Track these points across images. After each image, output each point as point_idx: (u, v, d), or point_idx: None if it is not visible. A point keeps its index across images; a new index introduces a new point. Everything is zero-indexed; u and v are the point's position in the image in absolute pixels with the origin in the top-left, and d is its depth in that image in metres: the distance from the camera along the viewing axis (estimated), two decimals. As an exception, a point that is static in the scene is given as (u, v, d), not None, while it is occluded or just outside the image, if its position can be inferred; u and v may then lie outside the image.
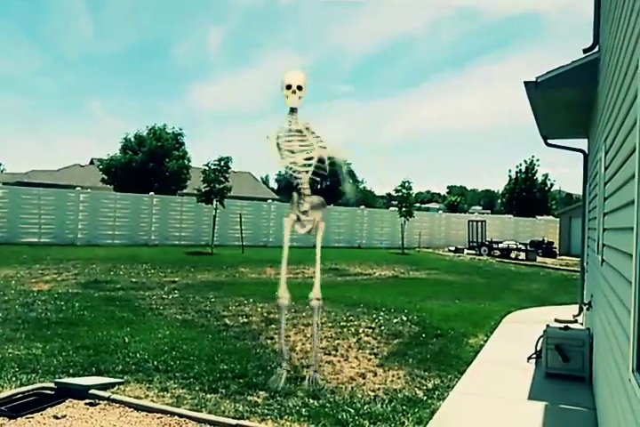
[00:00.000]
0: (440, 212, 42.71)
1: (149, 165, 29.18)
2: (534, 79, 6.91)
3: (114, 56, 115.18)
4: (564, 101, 7.76)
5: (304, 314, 9.12)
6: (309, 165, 5.96)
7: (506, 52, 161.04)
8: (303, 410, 4.92)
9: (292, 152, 5.94)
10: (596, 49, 7.32)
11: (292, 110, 5.98)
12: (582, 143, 10.20)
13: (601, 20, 7.16)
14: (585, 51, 7.58)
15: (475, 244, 30.12)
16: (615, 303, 3.43)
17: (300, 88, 5.88)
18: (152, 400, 5.07)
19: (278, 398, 5.22)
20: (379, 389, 5.67)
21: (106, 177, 29.83)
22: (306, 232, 6.14)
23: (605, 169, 4.70)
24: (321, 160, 6.03)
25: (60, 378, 5.46)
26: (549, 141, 9.76)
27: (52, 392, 5.12)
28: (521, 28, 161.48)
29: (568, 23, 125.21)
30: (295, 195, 6.05)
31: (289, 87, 5.86)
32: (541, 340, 6.63)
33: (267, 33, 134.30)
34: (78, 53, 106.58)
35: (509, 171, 42.74)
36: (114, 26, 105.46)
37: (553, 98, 7.39)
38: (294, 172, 5.97)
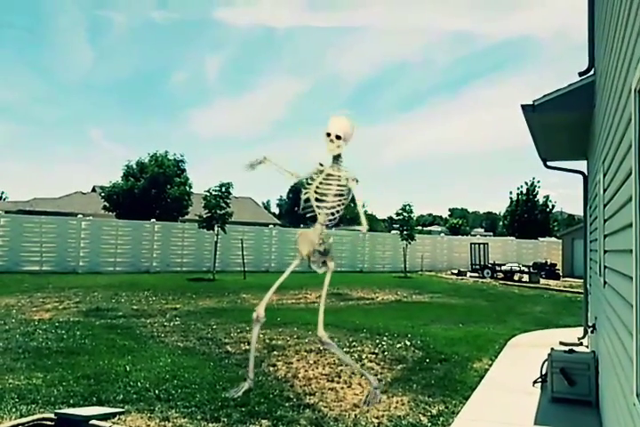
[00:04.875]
0: (442, 235, 42.64)
1: (151, 191, 29.26)
2: (531, 102, 6.99)
3: (114, 83, 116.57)
4: (562, 124, 7.83)
5: (307, 340, 9.05)
6: (337, 212, 5.93)
7: (502, 76, 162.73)
8: (306, 439, 4.85)
9: (325, 195, 5.89)
10: (592, 72, 7.41)
11: (335, 157, 5.92)
12: (582, 165, 10.26)
13: (595, 44, 7.26)
14: (581, 74, 7.68)
15: (477, 266, 29.99)
16: (618, 326, 3.41)
17: (338, 137, 5.75)
18: (153, 430, 5.00)
19: (281, 427, 5.15)
20: (382, 415, 5.59)
21: (107, 204, 29.90)
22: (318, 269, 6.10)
23: (604, 191, 4.71)
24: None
25: (60, 408, 5.40)
26: (549, 164, 9.81)
27: (52, 423, 5.06)
28: (516, 51, 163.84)
29: (563, 46, 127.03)
30: (309, 238, 5.96)
31: (328, 135, 5.76)
32: (546, 363, 6.56)
33: (264, 59, 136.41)
34: (78, 81, 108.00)
35: (510, 193, 42.67)
36: (113, 54, 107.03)
37: (550, 120, 7.45)
38: (319, 213, 5.88)
